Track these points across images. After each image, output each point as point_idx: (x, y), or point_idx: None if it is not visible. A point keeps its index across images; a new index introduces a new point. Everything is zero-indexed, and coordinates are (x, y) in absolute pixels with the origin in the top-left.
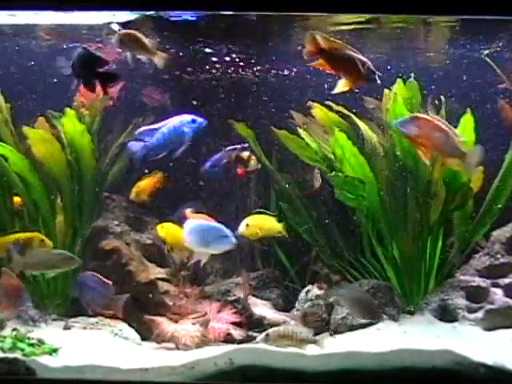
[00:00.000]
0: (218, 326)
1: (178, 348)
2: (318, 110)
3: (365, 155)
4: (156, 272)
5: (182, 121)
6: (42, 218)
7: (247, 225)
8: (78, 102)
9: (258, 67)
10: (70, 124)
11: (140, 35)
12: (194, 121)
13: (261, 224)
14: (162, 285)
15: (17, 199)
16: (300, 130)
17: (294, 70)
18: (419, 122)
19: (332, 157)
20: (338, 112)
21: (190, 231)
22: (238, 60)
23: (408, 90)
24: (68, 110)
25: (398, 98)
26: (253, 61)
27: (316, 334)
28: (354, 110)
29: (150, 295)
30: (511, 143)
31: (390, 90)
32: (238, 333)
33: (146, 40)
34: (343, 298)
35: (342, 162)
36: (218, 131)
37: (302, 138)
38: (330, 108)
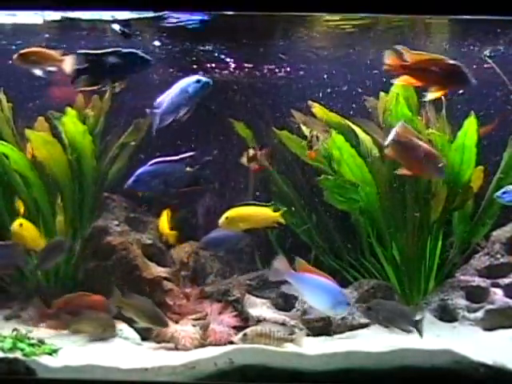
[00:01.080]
0: (219, 330)
1: (177, 349)
2: (318, 110)
3: (363, 156)
4: (158, 271)
5: (187, 82)
6: (43, 217)
7: (226, 218)
8: (80, 103)
9: (257, 67)
10: (71, 124)
11: (38, 49)
12: (198, 81)
13: (242, 216)
14: (165, 283)
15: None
16: (303, 128)
17: (291, 69)
18: None
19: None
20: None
21: (321, 290)
22: (236, 60)
23: (405, 91)
24: (69, 109)
25: (399, 98)
26: (252, 60)
27: (316, 334)
28: (354, 111)
29: (155, 293)
30: (509, 142)
31: (386, 92)
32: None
33: (47, 51)
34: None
35: (339, 164)
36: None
37: (303, 137)
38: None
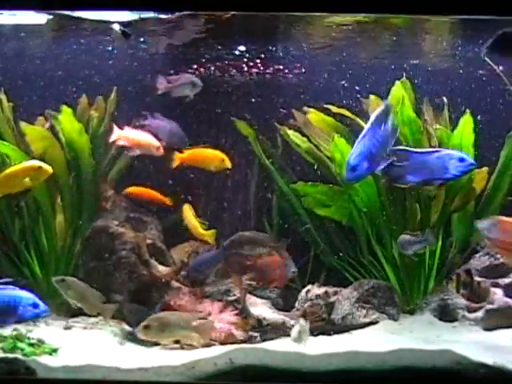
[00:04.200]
0: (220, 326)
1: (182, 348)
2: (313, 115)
3: None
4: (160, 270)
5: None
6: (43, 216)
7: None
8: (83, 104)
9: (256, 66)
10: (68, 122)
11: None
12: None
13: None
14: (173, 283)
15: None
16: (289, 131)
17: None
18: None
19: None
20: (335, 115)
21: None
22: (237, 59)
23: (405, 91)
24: (65, 107)
25: (405, 100)
26: (254, 59)
27: (316, 334)
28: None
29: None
30: (506, 140)
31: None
32: (240, 334)
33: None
34: None
35: (341, 167)
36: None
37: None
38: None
